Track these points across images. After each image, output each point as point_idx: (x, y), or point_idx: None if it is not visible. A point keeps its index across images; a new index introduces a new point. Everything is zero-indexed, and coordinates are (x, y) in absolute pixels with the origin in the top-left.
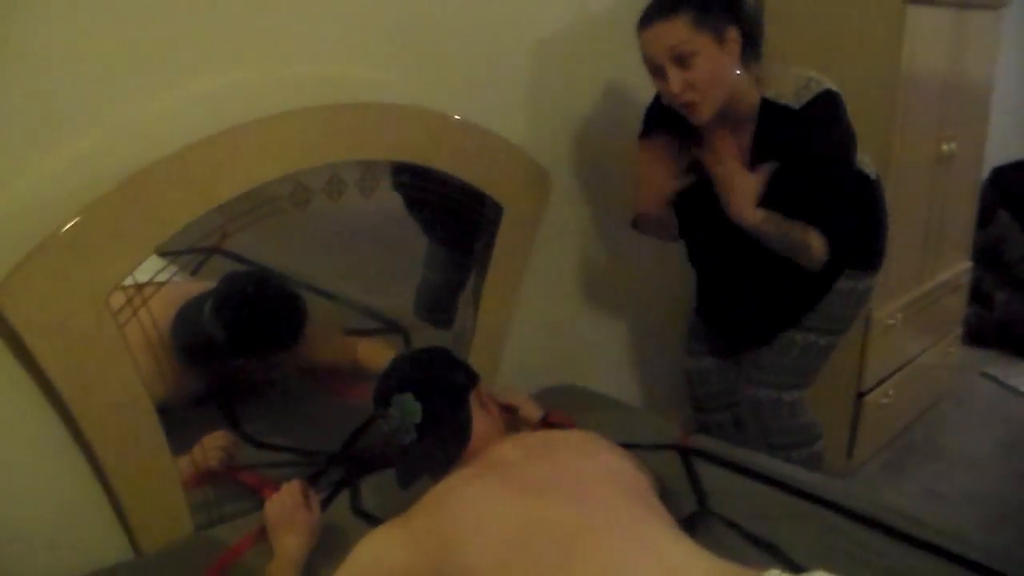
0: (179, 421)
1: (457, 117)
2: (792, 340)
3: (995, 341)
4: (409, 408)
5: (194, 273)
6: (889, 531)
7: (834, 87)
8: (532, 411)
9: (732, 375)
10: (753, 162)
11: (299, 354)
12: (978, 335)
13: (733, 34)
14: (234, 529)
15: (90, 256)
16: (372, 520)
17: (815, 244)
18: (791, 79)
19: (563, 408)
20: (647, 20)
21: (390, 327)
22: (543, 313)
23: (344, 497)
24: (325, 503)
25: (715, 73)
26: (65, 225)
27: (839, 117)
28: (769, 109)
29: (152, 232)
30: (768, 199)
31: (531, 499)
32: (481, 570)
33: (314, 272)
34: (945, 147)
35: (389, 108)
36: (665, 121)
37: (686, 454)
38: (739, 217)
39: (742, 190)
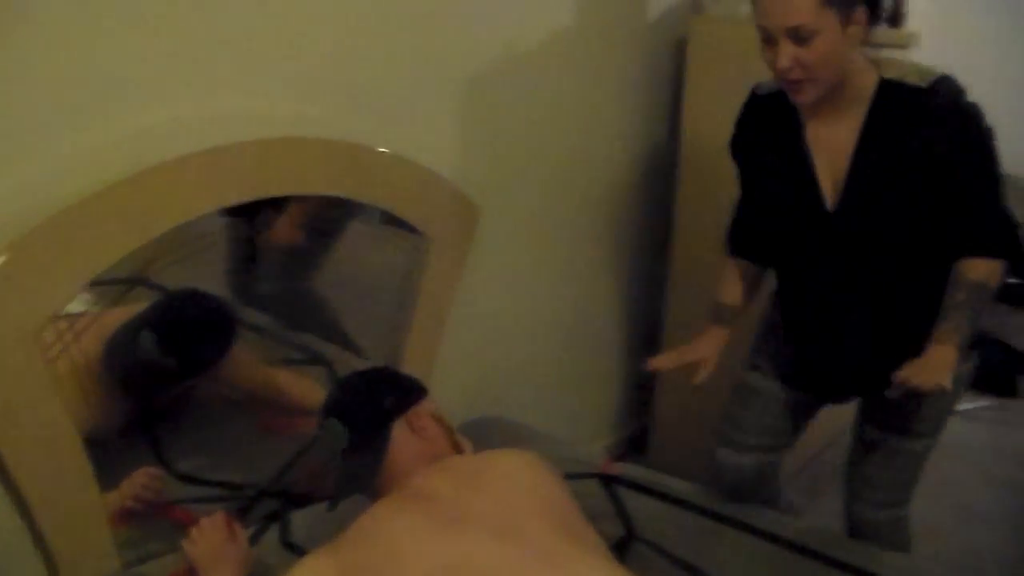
0: (106, 457)
1: (384, 150)
2: (893, 449)
3: None
4: (334, 432)
5: (116, 304)
6: (814, 555)
7: None
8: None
9: (798, 416)
10: (862, 145)
11: (222, 378)
12: None
13: (860, 15)
14: (162, 566)
15: (20, 292)
16: (301, 552)
17: (987, 275)
18: (910, 66)
19: (486, 440)
20: None
21: (314, 359)
22: (470, 344)
23: (273, 531)
24: (255, 537)
25: (831, 55)
26: None
27: (967, 95)
28: (890, 89)
29: (84, 267)
30: (911, 209)
31: (456, 536)
32: None
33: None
34: None
35: (318, 143)
36: (760, 123)
37: (608, 482)
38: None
39: (943, 366)
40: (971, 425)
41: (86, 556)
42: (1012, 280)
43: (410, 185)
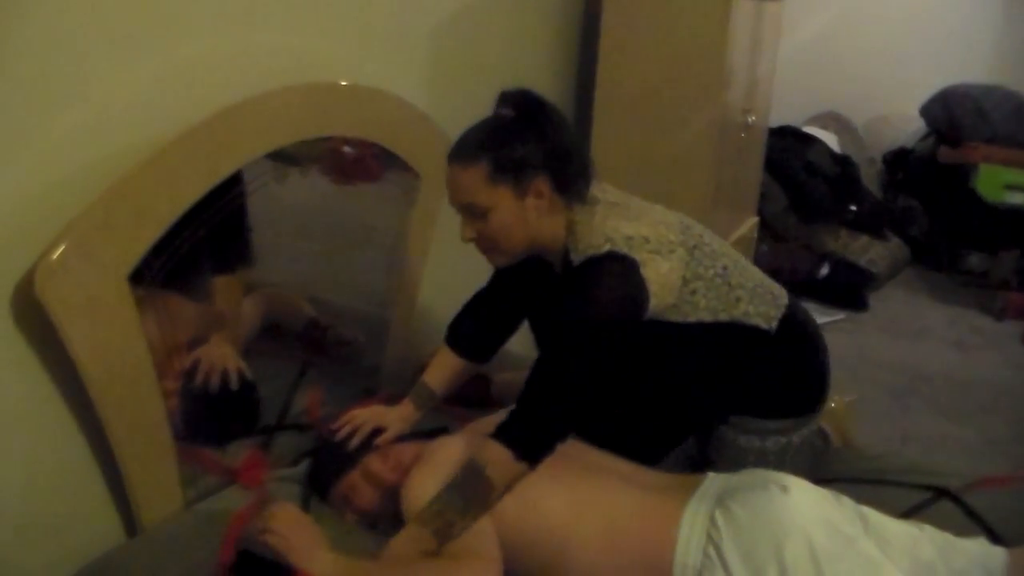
0: None
1: (388, 91)
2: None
3: None
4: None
5: None
6: None
7: (632, 253)
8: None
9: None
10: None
11: None
12: None
13: (540, 185)
14: (220, 501)
15: (115, 234)
16: None
17: (493, 462)
18: (599, 235)
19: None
20: (449, 158)
21: None
22: (445, 275)
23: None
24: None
25: (511, 227)
26: (91, 204)
27: (607, 281)
28: (565, 258)
29: (167, 209)
30: None
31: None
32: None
33: None
34: (750, 118)
35: (346, 87)
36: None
37: None
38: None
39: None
40: (831, 336)
41: (158, 495)
42: (852, 207)
43: (406, 124)
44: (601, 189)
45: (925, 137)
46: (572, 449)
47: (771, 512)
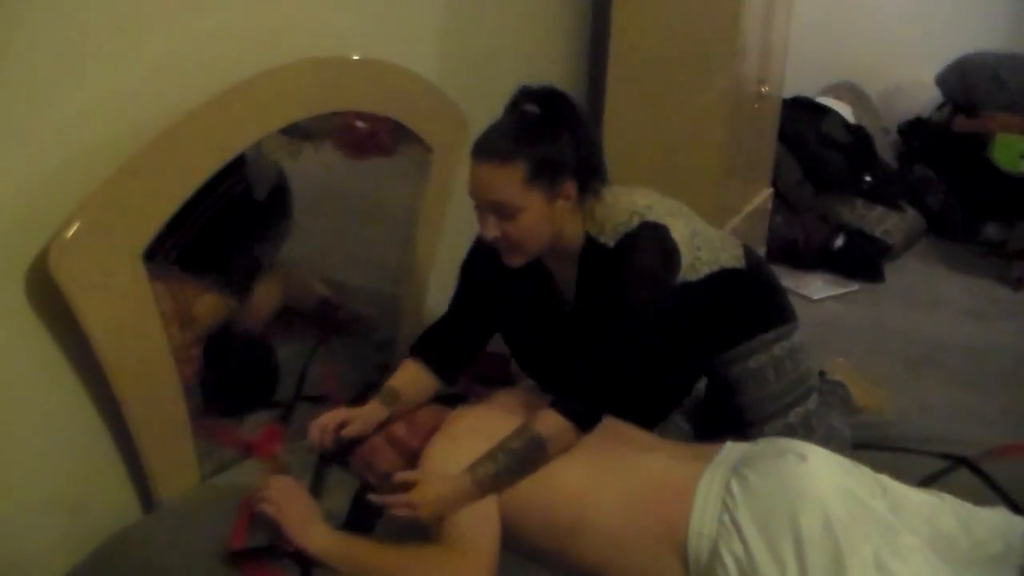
0: None
1: (400, 65)
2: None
3: (775, 258)
4: None
5: None
6: None
7: (658, 219)
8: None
9: None
10: (578, 302)
11: None
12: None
13: (568, 188)
14: (237, 474)
15: (127, 212)
16: None
17: (553, 433)
18: (620, 211)
19: None
20: (479, 153)
21: None
22: (458, 250)
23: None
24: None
25: (538, 229)
26: (104, 182)
27: (651, 251)
28: (590, 246)
29: (180, 185)
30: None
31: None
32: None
33: None
34: (764, 89)
35: (359, 61)
36: (486, 270)
37: None
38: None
39: (434, 497)
40: (849, 307)
41: (174, 470)
42: (867, 178)
43: (419, 98)
44: None
45: (941, 106)
46: None
47: (787, 481)
